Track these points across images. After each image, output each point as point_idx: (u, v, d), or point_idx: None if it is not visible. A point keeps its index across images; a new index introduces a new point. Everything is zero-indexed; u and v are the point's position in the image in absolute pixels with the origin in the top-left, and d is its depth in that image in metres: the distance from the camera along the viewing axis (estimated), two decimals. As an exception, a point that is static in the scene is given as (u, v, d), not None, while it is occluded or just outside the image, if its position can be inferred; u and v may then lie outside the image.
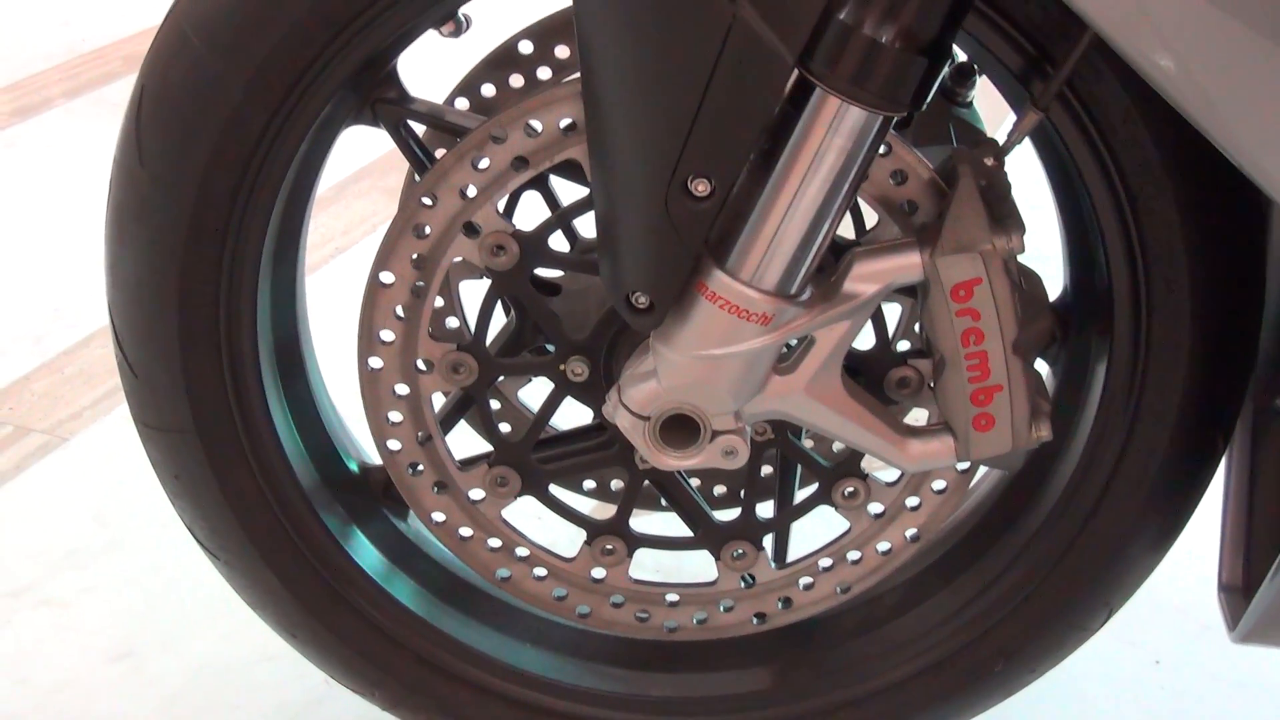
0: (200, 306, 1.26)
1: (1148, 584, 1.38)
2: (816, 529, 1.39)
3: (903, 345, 1.52)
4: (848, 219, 1.34)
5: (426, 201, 1.22)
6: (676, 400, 1.17)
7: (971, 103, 1.38)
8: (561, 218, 1.27)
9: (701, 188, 1.05)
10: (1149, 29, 0.97)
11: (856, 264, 1.14)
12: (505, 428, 1.56)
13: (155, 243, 1.23)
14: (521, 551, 1.37)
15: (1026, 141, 1.24)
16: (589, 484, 1.61)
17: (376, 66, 1.26)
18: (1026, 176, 1.32)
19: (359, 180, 2.68)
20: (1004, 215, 1.13)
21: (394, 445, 1.32)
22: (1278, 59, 0.95)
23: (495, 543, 1.37)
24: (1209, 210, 1.20)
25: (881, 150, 1.17)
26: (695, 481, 1.59)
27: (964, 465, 1.30)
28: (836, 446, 1.53)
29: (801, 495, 1.37)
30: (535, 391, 1.55)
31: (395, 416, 1.31)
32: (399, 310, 1.27)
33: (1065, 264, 1.35)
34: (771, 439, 1.32)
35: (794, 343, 1.17)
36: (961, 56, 1.37)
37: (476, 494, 1.34)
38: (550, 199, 1.40)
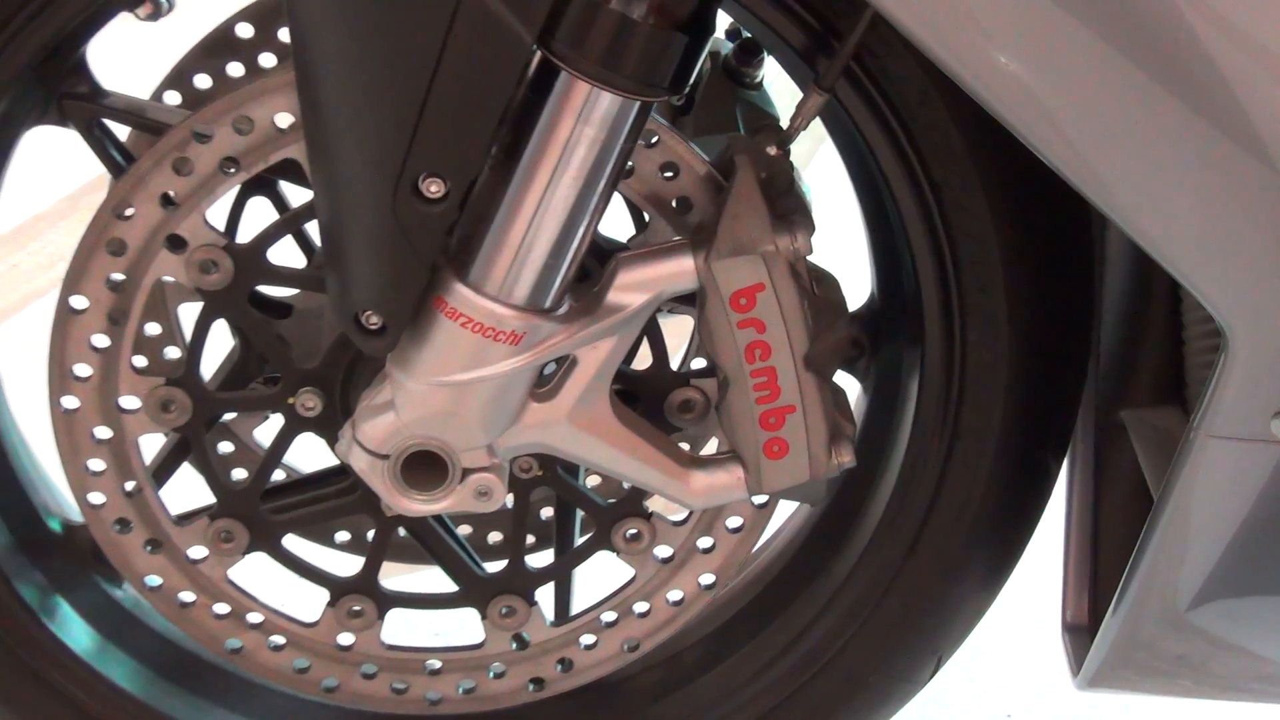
0: None
1: (996, 631, 1.43)
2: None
3: (699, 363, 1.53)
4: (625, 219, 1.36)
5: (123, 213, 1.21)
6: (419, 435, 1.17)
7: (761, 83, 1.41)
8: (284, 226, 1.26)
9: (434, 188, 1.05)
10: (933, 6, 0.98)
11: (621, 271, 1.14)
12: (241, 474, 1.55)
13: None
14: (254, 617, 1.36)
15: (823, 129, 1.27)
16: (342, 536, 1.60)
17: (61, 56, 1.24)
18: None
19: (100, 189, 2.64)
20: (788, 211, 1.14)
21: (97, 499, 1.30)
22: (1090, 45, 0.97)
23: (222, 608, 1.36)
24: (1025, 201, 1.22)
25: (652, 140, 1.18)
26: (465, 529, 1.59)
27: (760, 499, 1.31)
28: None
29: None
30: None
31: (97, 465, 1.29)
32: (96, 340, 1.25)
33: (871, 266, 1.37)
34: (539, 476, 1.32)
35: (554, 365, 1.17)
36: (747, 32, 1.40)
37: (197, 552, 1.33)
38: (280, 205, 1.39)
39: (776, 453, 1.19)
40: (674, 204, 1.19)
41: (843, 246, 1.42)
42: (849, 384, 1.30)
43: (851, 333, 1.19)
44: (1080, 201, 1.18)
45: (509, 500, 1.27)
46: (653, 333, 1.27)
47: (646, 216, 1.30)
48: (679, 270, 1.14)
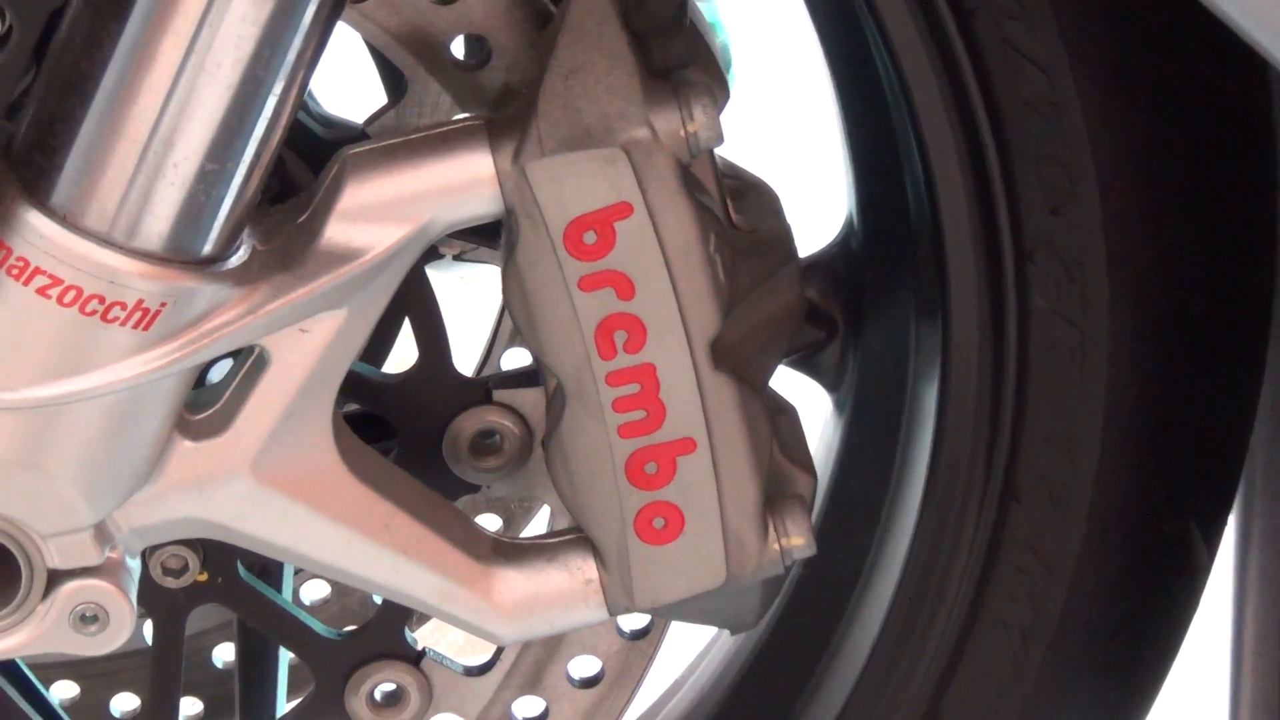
0: None
1: None
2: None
3: (514, 360, 1.54)
4: (366, 82, 1.30)
5: None
6: (-43, 507, 1.13)
7: None
8: None
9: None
10: None
11: (353, 181, 1.12)
12: None
13: None
14: None
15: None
16: None
17: None
18: None
19: None
20: (676, 61, 1.12)
21: None
22: None
23: None
24: (1136, 37, 1.19)
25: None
26: (66, 687, 1.57)
27: (633, 622, 1.29)
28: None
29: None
30: None
31: None
32: None
33: (846, 168, 1.35)
34: (204, 584, 1.28)
35: (226, 363, 1.16)
36: None
37: None
38: None
39: (661, 533, 1.17)
40: (454, 50, 1.18)
41: (790, 137, 1.40)
42: (804, 395, 1.27)
43: (804, 295, 1.18)
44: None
45: (145, 632, 1.24)
46: (419, 304, 1.25)
47: (406, 75, 1.25)
48: (466, 177, 1.13)
